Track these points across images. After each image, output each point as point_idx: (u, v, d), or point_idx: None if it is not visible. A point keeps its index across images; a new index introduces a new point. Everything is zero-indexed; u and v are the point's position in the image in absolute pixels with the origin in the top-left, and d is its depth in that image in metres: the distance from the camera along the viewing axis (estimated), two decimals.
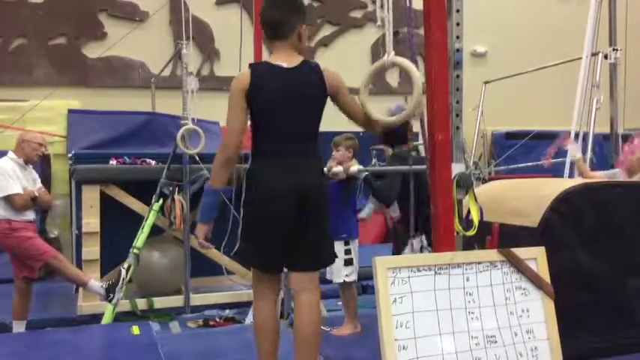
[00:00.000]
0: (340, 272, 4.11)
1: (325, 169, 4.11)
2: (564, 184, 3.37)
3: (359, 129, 2.95)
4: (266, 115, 2.60)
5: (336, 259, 4.06)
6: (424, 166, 3.00)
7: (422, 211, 3.65)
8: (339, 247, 4.12)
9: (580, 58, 5.14)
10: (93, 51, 8.43)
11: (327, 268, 4.25)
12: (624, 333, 3.27)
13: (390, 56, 2.40)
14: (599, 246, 3.27)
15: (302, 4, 2.74)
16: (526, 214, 3.25)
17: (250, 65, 2.66)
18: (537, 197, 3.34)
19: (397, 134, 3.12)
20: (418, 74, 2.36)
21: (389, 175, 4.01)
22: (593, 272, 3.24)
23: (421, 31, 2.42)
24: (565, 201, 3.20)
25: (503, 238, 2.99)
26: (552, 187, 3.40)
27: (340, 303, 4.90)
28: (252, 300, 5.07)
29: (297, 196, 2.55)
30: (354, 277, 4.15)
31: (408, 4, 2.75)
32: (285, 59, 2.62)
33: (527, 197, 3.43)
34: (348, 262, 4.10)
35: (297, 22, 2.66)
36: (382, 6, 2.46)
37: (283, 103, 2.58)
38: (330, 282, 4.72)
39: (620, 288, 3.32)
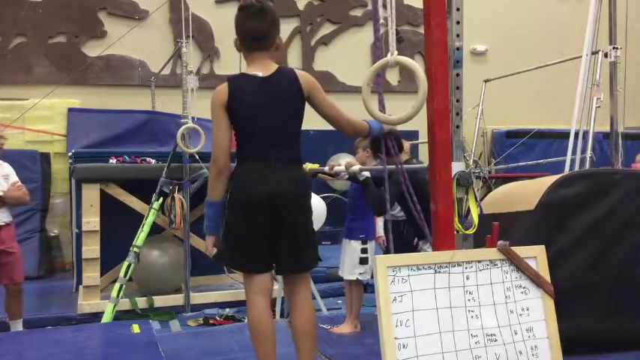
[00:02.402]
0: (354, 270, 4.13)
1: (326, 167, 4.10)
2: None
3: None
4: (245, 124, 2.69)
5: (352, 257, 4.12)
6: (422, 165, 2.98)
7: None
8: (355, 245, 4.14)
9: (580, 57, 5.13)
10: (92, 49, 8.42)
11: (341, 265, 4.27)
12: (625, 315, 3.29)
13: (393, 55, 2.39)
14: (598, 228, 3.31)
15: (277, 16, 2.81)
16: (526, 200, 3.33)
17: (228, 78, 2.74)
18: (538, 184, 3.43)
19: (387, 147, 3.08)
20: (424, 74, 2.34)
21: (383, 189, 3.94)
22: (593, 254, 3.29)
23: (421, 30, 2.42)
24: (563, 185, 3.25)
25: (505, 225, 3.03)
26: (554, 177, 3.46)
27: (340, 302, 4.92)
28: None
29: (271, 201, 2.61)
30: (367, 277, 4.17)
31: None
32: (262, 69, 2.69)
33: (529, 186, 3.49)
34: (363, 261, 4.12)
35: (276, 34, 2.77)
36: (384, 5, 2.45)
37: (261, 111, 2.65)
38: (330, 281, 4.73)
39: (620, 271, 3.34)
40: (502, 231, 2.53)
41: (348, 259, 4.16)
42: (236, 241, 2.68)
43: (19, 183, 4.53)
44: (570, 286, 3.17)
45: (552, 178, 3.53)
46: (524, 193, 3.43)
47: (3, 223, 4.40)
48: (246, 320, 4.88)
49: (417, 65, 2.36)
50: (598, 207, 3.31)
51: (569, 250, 3.22)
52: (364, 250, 4.13)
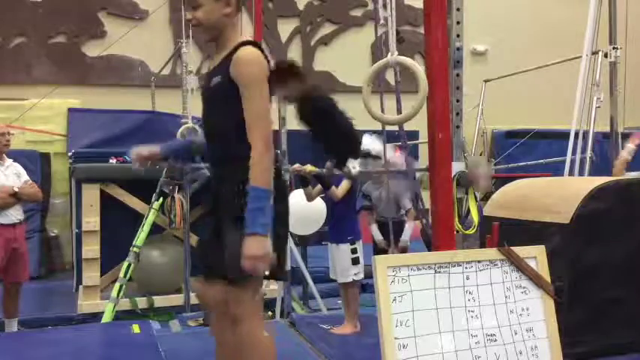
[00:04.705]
0: (349, 271, 4.13)
1: (325, 170, 4.08)
2: (594, 181, 3.42)
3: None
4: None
5: (343, 260, 4.13)
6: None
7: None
8: (345, 248, 4.14)
9: (580, 57, 5.14)
10: (93, 49, 8.42)
11: (332, 268, 4.27)
12: None
13: (394, 55, 2.39)
14: (630, 241, 3.31)
15: None
16: (556, 211, 3.29)
17: (256, 45, 2.25)
18: (568, 194, 3.39)
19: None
20: (424, 75, 2.34)
21: None
22: (625, 267, 3.29)
23: (421, 30, 2.42)
24: (596, 198, 3.24)
25: (533, 234, 3.07)
26: (582, 185, 3.45)
27: (340, 302, 4.92)
28: None
29: None
30: (361, 276, 4.19)
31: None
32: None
33: (557, 195, 3.48)
34: (355, 261, 4.13)
35: None
36: (385, 5, 2.45)
37: None
38: (330, 281, 4.74)
39: None
40: (528, 239, 2.53)
41: (339, 262, 4.17)
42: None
43: (31, 181, 4.63)
44: (600, 300, 3.20)
45: (578, 184, 3.51)
46: (553, 203, 3.38)
47: (17, 221, 4.46)
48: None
49: (417, 66, 2.36)
50: (627, 218, 3.32)
51: (600, 263, 3.22)
52: (354, 251, 4.14)
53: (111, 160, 5.61)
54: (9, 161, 4.57)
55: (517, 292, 2.37)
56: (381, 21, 2.49)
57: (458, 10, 2.52)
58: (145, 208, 5.45)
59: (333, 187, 4.09)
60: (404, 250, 4.54)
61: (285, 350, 2.80)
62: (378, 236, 4.83)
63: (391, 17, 2.41)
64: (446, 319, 2.22)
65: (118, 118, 7.31)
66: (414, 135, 7.90)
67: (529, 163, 7.42)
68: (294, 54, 9.54)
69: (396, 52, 2.39)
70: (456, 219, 2.45)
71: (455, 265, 2.28)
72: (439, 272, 2.26)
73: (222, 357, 2.49)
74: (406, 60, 2.38)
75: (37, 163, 6.91)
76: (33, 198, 4.68)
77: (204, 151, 2.50)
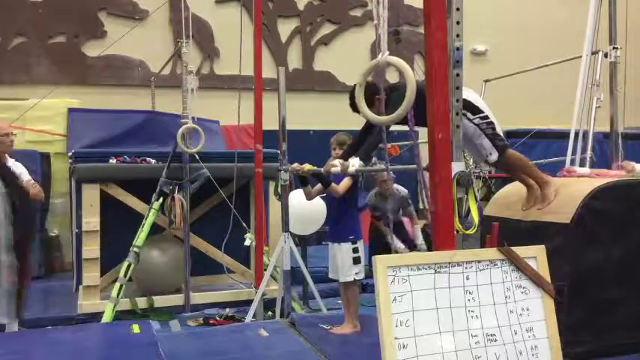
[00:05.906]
0: (350, 271, 4.13)
1: (323, 169, 4.07)
2: (594, 182, 3.43)
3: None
4: None
5: (345, 259, 4.13)
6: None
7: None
8: (347, 247, 4.14)
9: (580, 57, 5.13)
10: (93, 49, 8.42)
11: (332, 267, 4.28)
12: None
13: (384, 55, 2.39)
14: (629, 241, 3.32)
15: None
16: (556, 211, 3.31)
17: None
18: (568, 194, 3.40)
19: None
20: (412, 74, 2.35)
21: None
22: (624, 267, 3.30)
23: (421, 30, 2.42)
24: (597, 198, 3.26)
25: (533, 234, 3.11)
26: (582, 185, 3.46)
27: (340, 302, 4.92)
28: (252, 299, 5.11)
29: None
30: (362, 275, 4.19)
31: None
32: None
33: (557, 195, 3.47)
34: (356, 261, 4.13)
35: None
36: (378, 4, 2.45)
37: None
38: (330, 281, 4.74)
39: None
40: (529, 239, 2.53)
41: (341, 262, 4.16)
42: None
43: (33, 181, 4.64)
44: (600, 300, 3.21)
45: (579, 184, 3.51)
46: (554, 203, 3.40)
47: None
48: (246, 320, 4.89)
49: (406, 65, 2.36)
50: (627, 218, 3.33)
51: (600, 263, 3.23)
52: (356, 250, 4.14)
53: (111, 160, 5.61)
54: (11, 161, 4.61)
55: (517, 292, 2.37)
56: (375, 21, 2.49)
57: (458, 9, 2.51)
58: (145, 208, 5.45)
59: (333, 184, 4.08)
60: None
61: (285, 350, 2.80)
62: (400, 246, 4.90)
63: (383, 17, 2.41)
64: (446, 319, 2.22)
65: (118, 118, 7.29)
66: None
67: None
68: (294, 54, 9.54)
69: (387, 52, 2.39)
70: (456, 219, 2.45)
71: (455, 265, 2.28)
72: (439, 272, 2.26)
73: None
74: (395, 60, 2.39)
75: (37, 163, 6.89)
76: (34, 198, 4.67)
77: None
